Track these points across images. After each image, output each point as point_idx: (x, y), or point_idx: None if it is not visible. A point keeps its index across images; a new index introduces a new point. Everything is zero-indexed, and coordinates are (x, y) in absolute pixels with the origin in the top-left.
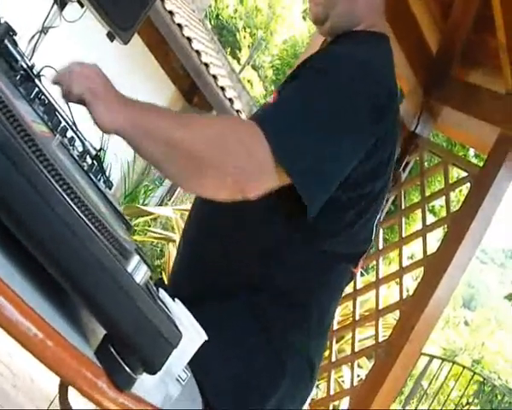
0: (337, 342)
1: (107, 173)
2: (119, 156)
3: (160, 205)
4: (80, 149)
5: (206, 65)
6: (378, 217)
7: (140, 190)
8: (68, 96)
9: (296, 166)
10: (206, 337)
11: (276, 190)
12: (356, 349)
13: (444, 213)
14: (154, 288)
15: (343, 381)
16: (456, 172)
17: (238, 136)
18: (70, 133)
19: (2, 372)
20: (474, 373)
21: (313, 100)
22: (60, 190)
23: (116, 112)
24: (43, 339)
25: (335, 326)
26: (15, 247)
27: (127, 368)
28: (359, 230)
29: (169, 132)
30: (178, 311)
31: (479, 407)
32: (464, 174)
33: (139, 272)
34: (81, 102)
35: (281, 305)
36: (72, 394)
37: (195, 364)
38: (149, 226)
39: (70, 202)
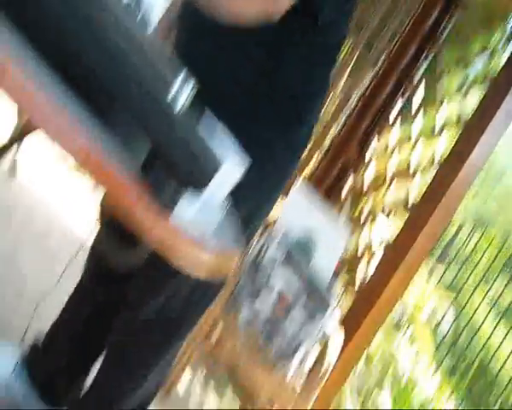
0: (372, 195)
1: None
2: None
3: None
4: None
5: None
6: None
7: None
8: None
9: None
10: (247, 165)
11: None
12: (387, 207)
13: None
14: (200, 107)
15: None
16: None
17: None
18: None
19: (37, 212)
20: (505, 242)
21: None
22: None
23: None
24: (89, 151)
25: (370, 179)
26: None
27: (170, 189)
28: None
29: None
30: (223, 134)
31: (507, 280)
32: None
33: (185, 89)
34: None
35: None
36: None
37: None
38: None
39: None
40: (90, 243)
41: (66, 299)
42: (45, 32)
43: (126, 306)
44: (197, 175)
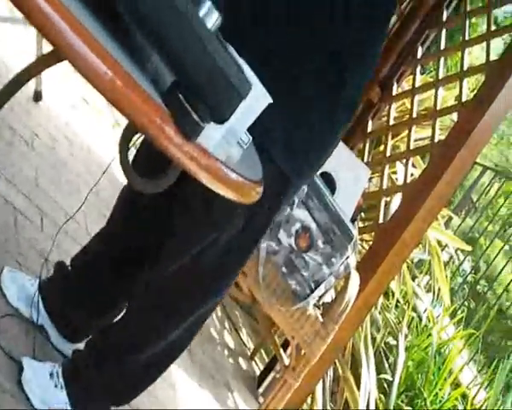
0: (392, 138)
1: None
2: None
3: None
4: None
5: None
6: None
7: None
8: None
9: None
10: (270, 100)
11: None
12: (411, 148)
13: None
14: (224, 41)
15: (396, 178)
16: None
17: None
18: None
19: (59, 140)
20: None
21: None
22: None
23: None
24: (113, 78)
25: (391, 121)
26: None
27: (195, 115)
28: None
29: None
30: (245, 68)
31: None
32: None
33: (210, 18)
34: None
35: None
36: None
37: (259, 127)
38: None
39: None
40: (111, 169)
41: (88, 226)
42: None
43: (161, 256)
44: (224, 100)
